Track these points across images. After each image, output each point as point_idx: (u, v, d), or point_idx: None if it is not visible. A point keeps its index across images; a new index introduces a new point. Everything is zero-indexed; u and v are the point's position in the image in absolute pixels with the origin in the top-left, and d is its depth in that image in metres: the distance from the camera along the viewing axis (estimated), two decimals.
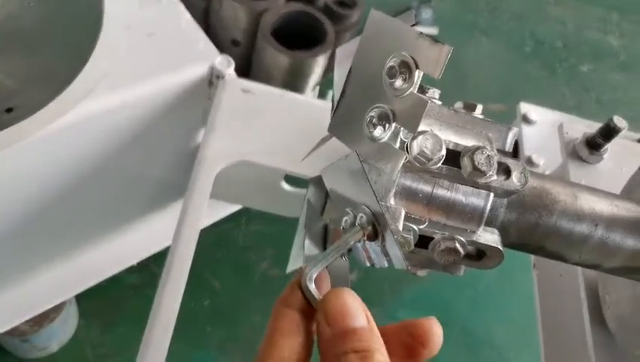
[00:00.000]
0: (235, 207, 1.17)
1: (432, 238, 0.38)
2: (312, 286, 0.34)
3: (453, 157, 0.37)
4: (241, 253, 1.34)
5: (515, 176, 0.38)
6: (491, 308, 1.42)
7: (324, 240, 0.41)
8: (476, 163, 0.36)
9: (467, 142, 0.38)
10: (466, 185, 0.38)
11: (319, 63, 1.46)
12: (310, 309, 0.34)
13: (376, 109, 0.36)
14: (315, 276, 0.35)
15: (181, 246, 0.68)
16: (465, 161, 0.37)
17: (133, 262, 1.07)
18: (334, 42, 1.48)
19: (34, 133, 0.61)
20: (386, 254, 0.35)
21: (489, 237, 0.39)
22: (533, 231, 0.42)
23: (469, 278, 1.40)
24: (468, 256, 0.39)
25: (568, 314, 0.56)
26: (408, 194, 0.38)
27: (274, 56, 1.41)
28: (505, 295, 1.43)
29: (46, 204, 0.81)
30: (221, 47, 1.51)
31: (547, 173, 0.69)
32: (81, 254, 1.01)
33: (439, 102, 0.40)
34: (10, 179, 0.69)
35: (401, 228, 0.36)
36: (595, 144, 0.62)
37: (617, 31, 2.09)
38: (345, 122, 0.38)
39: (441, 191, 0.38)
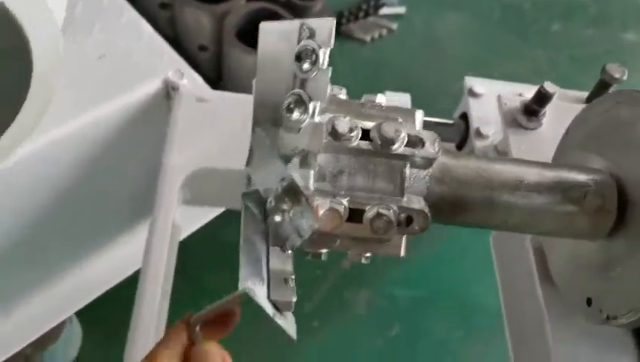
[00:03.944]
0: (219, 210, 1.20)
1: (363, 212, 0.40)
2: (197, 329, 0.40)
3: (367, 135, 0.40)
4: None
5: (429, 145, 0.41)
6: (480, 280, 1.43)
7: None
8: (383, 133, 0.40)
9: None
10: (384, 157, 0.41)
11: None
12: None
13: (291, 96, 0.39)
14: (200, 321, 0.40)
15: (152, 260, 0.71)
16: (374, 133, 0.40)
17: (130, 272, 1.09)
18: None
19: None
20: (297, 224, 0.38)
21: (414, 200, 0.41)
22: (463, 203, 0.44)
23: (456, 255, 1.42)
24: (397, 224, 0.41)
25: (521, 274, 0.59)
26: (331, 173, 0.40)
27: (241, 58, 1.43)
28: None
29: (22, 230, 0.84)
30: (189, 54, 1.54)
31: (495, 142, 0.71)
32: (74, 271, 1.04)
33: (345, 97, 0.43)
34: None
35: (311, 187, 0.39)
36: (531, 110, 0.64)
37: None
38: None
39: (361, 167, 0.41)
